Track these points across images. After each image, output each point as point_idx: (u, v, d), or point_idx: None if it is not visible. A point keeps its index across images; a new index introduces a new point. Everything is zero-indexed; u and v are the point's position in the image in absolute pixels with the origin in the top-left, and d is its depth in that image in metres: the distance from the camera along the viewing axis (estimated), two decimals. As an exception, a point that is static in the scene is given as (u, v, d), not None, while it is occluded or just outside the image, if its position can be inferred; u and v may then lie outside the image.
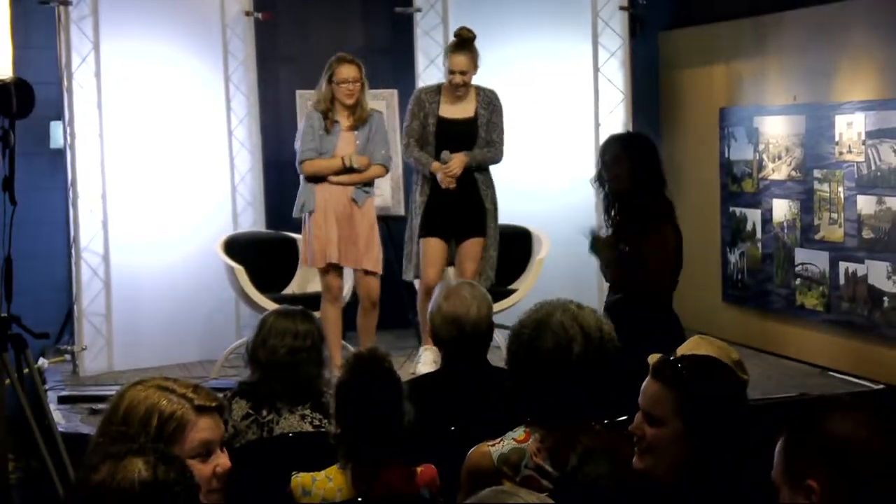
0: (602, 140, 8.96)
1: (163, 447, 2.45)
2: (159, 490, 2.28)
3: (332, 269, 7.81)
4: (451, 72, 7.80)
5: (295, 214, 7.95)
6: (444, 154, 7.78)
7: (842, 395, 2.55)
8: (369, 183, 7.88)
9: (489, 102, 7.90)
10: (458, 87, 7.80)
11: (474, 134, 7.83)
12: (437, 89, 7.95)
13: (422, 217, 7.89)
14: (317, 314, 7.51)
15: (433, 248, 7.87)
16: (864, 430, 2.48)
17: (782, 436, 2.56)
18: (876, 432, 2.49)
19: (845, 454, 2.47)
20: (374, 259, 7.85)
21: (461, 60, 7.81)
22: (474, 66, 7.85)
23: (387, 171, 7.93)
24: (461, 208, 7.81)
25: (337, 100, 7.75)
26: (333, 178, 7.77)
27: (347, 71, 7.71)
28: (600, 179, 6.13)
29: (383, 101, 8.90)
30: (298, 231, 8.86)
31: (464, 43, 7.87)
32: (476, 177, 7.86)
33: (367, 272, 7.83)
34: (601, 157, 6.20)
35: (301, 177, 7.93)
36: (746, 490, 3.02)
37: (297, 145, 7.89)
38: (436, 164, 7.77)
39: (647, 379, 3.12)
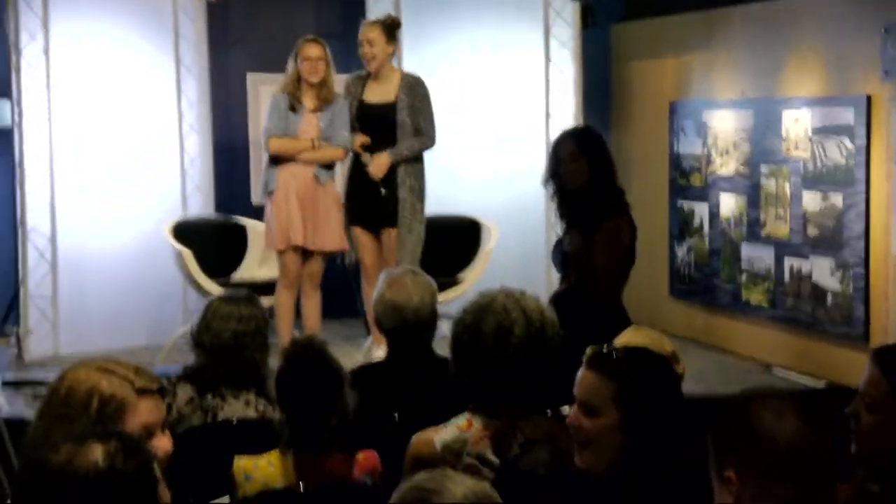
0: (552, 131, 9.05)
1: (123, 432, 2.44)
2: (117, 478, 2.27)
3: (291, 253, 7.76)
4: (360, 43, 7.83)
5: (256, 199, 7.92)
6: (364, 156, 7.78)
7: (770, 387, 2.57)
8: (331, 164, 7.88)
9: (411, 88, 7.87)
10: (368, 60, 7.81)
11: (393, 119, 7.81)
12: (366, 74, 7.97)
13: (345, 206, 7.90)
14: (270, 300, 7.54)
15: (359, 235, 7.88)
16: (778, 421, 2.51)
17: (711, 428, 2.59)
18: (791, 425, 2.51)
19: (757, 444, 2.50)
20: (337, 240, 7.84)
21: (368, 30, 7.86)
22: (385, 42, 7.83)
23: (346, 153, 7.92)
24: (375, 198, 7.80)
25: (303, 80, 7.75)
26: (298, 157, 7.74)
27: (312, 49, 7.73)
28: (554, 176, 6.09)
29: (339, 86, 8.88)
30: (248, 215, 8.87)
31: (377, 21, 7.98)
32: (398, 164, 7.84)
33: (313, 252, 7.79)
34: (555, 153, 6.14)
35: (264, 160, 7.90)
36: (682, 482, 3.04)
37: (263, 125, 7.86)
38: (360, 138, 7.79)
39: (582, 370, 3.14)
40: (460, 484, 2.29)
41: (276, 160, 7.77)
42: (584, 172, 5.94)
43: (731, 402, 2.60)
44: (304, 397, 3.76)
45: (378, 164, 7.74)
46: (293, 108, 7.76)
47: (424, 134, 7.84)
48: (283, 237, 7.72)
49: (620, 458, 3.06)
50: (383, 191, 7.75)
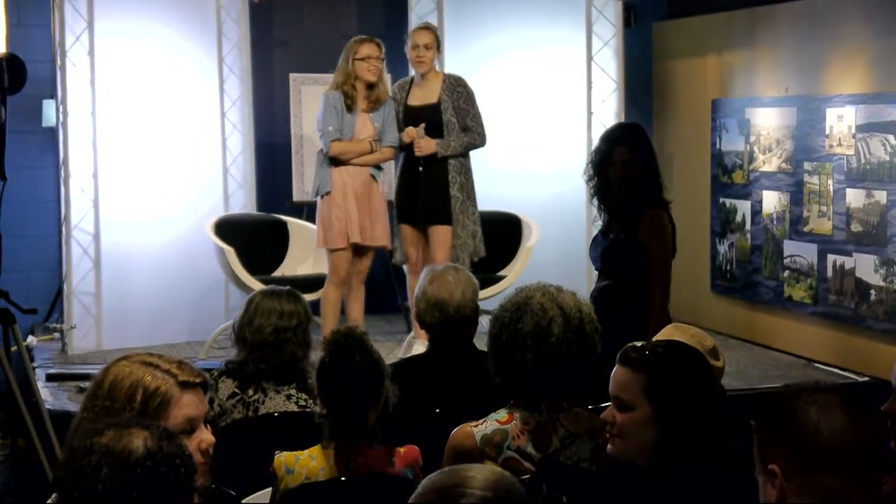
0: (594, 129, 9.04)
1: (158, 423, 2.46)
2: (164, 460, 2.30)
3: (346, 251, 7.81)
4: (415, 46, 7.87)
5: (311, 197, 7.97)
6: (420, 129, 7.80)
7: (816, 381, 2.52)
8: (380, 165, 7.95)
9: (454, 88, 7.91)
10: (420, 63, 7.85)
11: (438, 120, 7.85)
12: (409, 80, 8.06)
13: (396, 203, 7.94)
14: (314, 296, 7.58)
15: (407, 231, 7.94)
16: (825, 415, 2.48)
17: (756, 421, 2.58)
18: (838, 419, 2.48)
19: (804, 438, 2.48)
20: (387, 236, 7.93)
21: (424, 35, 7.92)
22: (437, 46, 7.92)
23: (396, 153, 7.96)
24: (426, 196, 7.83)
25: (358, 79, 7.77)
26: (355, 160, 7.79)
27: (369, 48, 7.77)
28: (599, 173, 6.01)
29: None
30: (289, 213, 8.91)
31: (430, 26, 8.09)
32: (448, 162, 7.86)
33: (362, 248, 7.84)
34: (606, 153, 6.01)
35: (317, 159, 7.94)
36: (723, 476, 3.04)
37: (319, 127, 7.87)
38: (409, 129, 7.81)
39: (616, 366, 3.14)
40: (480, 472, 2.29)
41: (333, 161, 7.79)
42: (634, 176, 5.89)
43: (777, 396, 2.58)
44: (345, 389, 3.77)
45: (424, 144, 7.77)
46: (349, 109, 7.79)
47: (473, 133, 7.87)
48: (342, 236, 7.76)
49: (654, 450, 3.05)
50: (421, 168, 7.78)
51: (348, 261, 7.83)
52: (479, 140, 7.94)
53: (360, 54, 7.75)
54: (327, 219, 7.80)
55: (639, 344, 3.16)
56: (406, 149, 7.89)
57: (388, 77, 8.45)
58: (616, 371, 3.13)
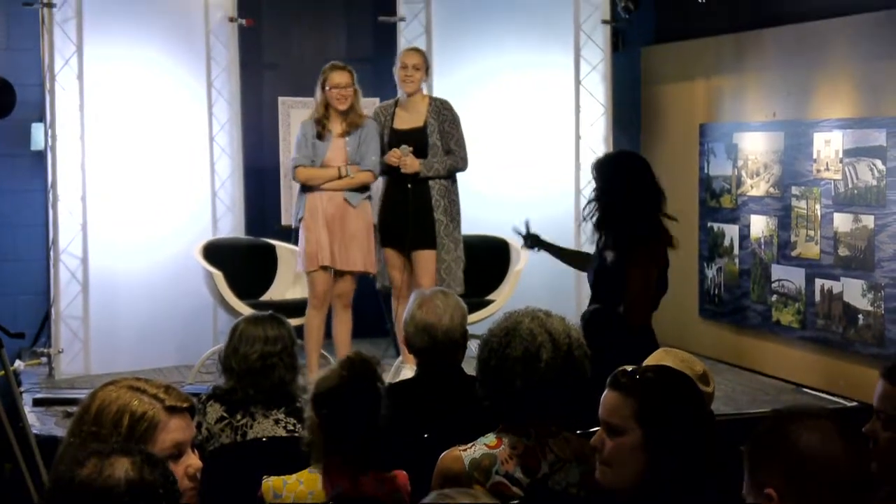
0: (582, 153, 9.07)
1: (144, 448, 2.45)
2: (145, 490, 2.28)
3: (319, 273, 7.81)
4: (404, 66, 7.90)
5: (287, 221, 7.98)
6: (404, 147, 7.81)
7: (806, 406, 2.53)
8: (364, 187, 7.92)
9: (440, 111, 7.94)
10: (408, 83, 7.86)
11: (424, 143, 7.86)
12: (393, 103, 8.07)
13: (378, 227, 7.95)
14: (300, 320, 7.58)
15: (391, 255, 7.94)
16: (821, 440, 2.51)
17: (747, 445, 2.58)
18: (833, 444, 2.51)
19: (801, 463, 2.50)
20: (367, 261, 7.89)
21: (414, 55, 7.98)
22: (426, 68, 7.95)
23: (376, 177, 7.94)
24: (411, 219, 7.84)
25: (331, 106, 7.79)
26: (325, 185, 7.80)
27: (339, 77, 7.79)
28: (599, 199, 6.04)
29: (365, 110, 8.92)
30: (278, 238, 8.92)
31: (419, 49, 8.19)
32: (430, 185, 7.87)
33: (343, 273, 7.84)
34: (607, 184, 6.04)
35: (296, 186, 7.99)
36: (711, 501, 3.03)
37: (291, 155, 7.94)
38: (395, 151, 7.82)
39: (606, 391, 3.14)
40: (467, 497, 2.29)
41: (306, 188, 7.83)
42: (630, 203, 5.91)
43: (770, 420, 2.59)
44: (358, 414, 3.73)
45: (409, 162, 7.77)
46: (320, 136, 7.82)
47: (455, 156, 7.89)
48: (311, 259, 7.79)
49: (643, 475, 3.04)
50: (410, 186, 7.78)
51: (323, 283, 7.83)
52: (461, 164, 7.95)
53: (331, 83, 7.79)
54: (301, 243, 7.84)
55: (629, 368, 3.16)
56: (388, 173, 7.89)
57: (376, 100, 8.47)
58: (606, 395, 3.12)
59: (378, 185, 8.06)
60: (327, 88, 7.79)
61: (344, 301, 7.90)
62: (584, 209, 6.20)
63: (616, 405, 3.08)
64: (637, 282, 5.83)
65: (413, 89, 7.92)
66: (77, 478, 2.29)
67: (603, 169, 6.10)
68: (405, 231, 7.83)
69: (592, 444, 3.13)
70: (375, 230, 7.95)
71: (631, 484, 3.06)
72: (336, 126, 7.83)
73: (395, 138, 7.90)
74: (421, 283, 7.61)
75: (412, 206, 7.83)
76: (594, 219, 6.05)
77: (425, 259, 7.86)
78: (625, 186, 5.99)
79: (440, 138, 7.88)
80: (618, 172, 6.07)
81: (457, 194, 7.99)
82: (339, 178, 7.79)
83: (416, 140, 7.85)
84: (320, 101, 7.85)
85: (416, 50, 8.11)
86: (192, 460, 2.81)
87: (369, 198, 7.96)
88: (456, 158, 7.91)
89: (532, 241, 6.62)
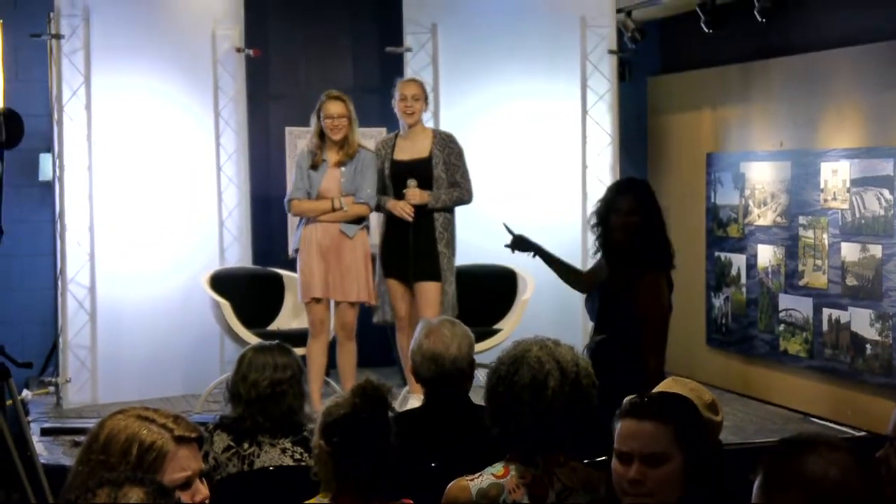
0: (589, 182, 9.08)
1: (154, 478, 2.45)
2: None
3: (315, 304, 7.84)
4: (403, 97, 7.89)
5: (290, 255, 7.99)
6: (410, 181, 7.81)
7: (818, 434, 2.52)
8: (361, 218, 7.92)
9: (445, 144, 7.95)
10: (409, 114, 7.87)
11: (429, 174, 7.87)
12: (393, 136, 8.08)
13: (381, 258, 7.96)
14: (303, 350, 7.58)
15: (395, 286, 7.95)
16: (837, 470, 2.48)
17: (759, 472, 2.56)
18: (850, 473, 2.49)
19: (817, 495, 2.47)
20: (364, 291, 7.88)
21: (412, 86, 7.98)
22: (425, 98, 7.94)
23: (371, 209, 7.93)
24: (414, 251, 7.84)
25: (326, 136, 7.80)
26: (320, 218, 7.81)
27: (333, 107, 7.79)
28: (602, 222, 5.99)
29: (371, 140, 8.95)
30: (284, 267, 8.93)
31: (418, 79, 8.21)
32: (435, 218, 7.88)
33: (340, 304, 7.84)
34: (610, 201, 6.01)
35: (296, 218, 8.00)
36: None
37: (288, 188, 7.96)
38: (391, 202, 7.84)
39: (631, 422, 3.09)
40: None
41: (303, 219, 7.86)
42: (635, 227, 5.86)
43: (783, 448, 2.57)
44: (370, 443, 3.71)
45: (414, 193, 7.78)
46: (314, 167, 7.82)
47: (461, 188, 7.90)
48: (306, 290, 7.84)
49: (679, 500, 3.03)
50: (414, 219, 7.78)
51: (318, 313, 7.88)
52: (466, 196, 7.96)
53: (325, 112, 7.79)
54: (299, 273, 7.89)
55: (649, 396, 3.15)
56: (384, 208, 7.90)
57: (382, 130, 8.49)
58: (638, 427, 3.07)
59: (379, 215, 8.06)
60: (322, 118, 7.80)
61: (347, 332, 7.91)
62: (595, 236, 6.11)
63: (654, 434, 3.05)
64: (650, 309, 5.78)
65: (414, 120, 7.93)
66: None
67: (643, 201, 5.97)
68: (408, 262, 7.84)
69: (633, 478, 3.06)
70: (373, 260, 7.96)
71: None
72: (331, 155, 7.83)
73: (397, 169, 7.91)
74: (424, 314, 7.59)
75: (415, 238, 7.83)
76: (605, 248, 5.98)
77: (429, 291, 7.85)
78: (661, 215, 5.95)
79: (445, 170, 7.89)
80: (651, 198, 6.01)
81: (454, 224, 8.00)
82: (333, 210, 7.80)
83: (420, 171, 7.86)
84: (315, 130, 7.85)
85: (414, 80, 8.13)
86: (201, 489, 2.81)
87: (366, 227, 7.96)
88: (462, 191, 7.92)
89: (519, 244, 6.55)
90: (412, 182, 7.81)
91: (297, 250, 7.89)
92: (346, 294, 7.84)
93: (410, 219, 7.79)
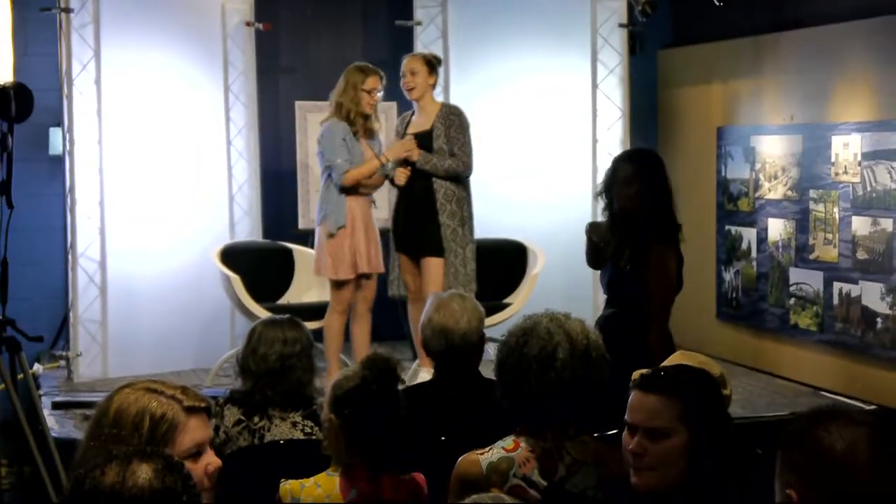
0: (599, 156, 9.06)
1: (164, 451, 2.46)
2: (168, 496, 2.29)
3: (352, 281, 7.83)
4: (402, 74, 7.92)
5: (331, 230, 7.80)
6: (409, 137, 7.86)
7: (844, 407, 2.48)
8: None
9: (447, 116, 7.92)
10: (409, 90, 7.88)
11: (430, 146, 7.84)
12: (410, 113, 8.09)
13: (392, 231, 8.00)
14: (318, 324, 7.59)
15: (403, 260, 7.98)
16: (845, 444, 2.46)
17: (780, 443, 2.54)
18: (859, 448, 2.46)
19: (821, 466, 2.45)
20: (383, 261, 7.95)
21: (410, 61, 7.95)
22: (427, 73, 7.89)
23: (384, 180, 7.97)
24: (416, 225, 7.85)
25: (357, 108, 7.77)
26: (366, 182, 7.79)
27: (375, 81, 7.80)
28: (607, 194, 5.99)
29: (382, 115, 8.93)
30: (295, 241, 8.92)
31: (419, 53, 8.19)
32: (435, 188, 7.85)
33: (370, 275, 7.87)
34: (612, 172, 6.01)
35: (329, 190, 7.82)
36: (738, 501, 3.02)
37: (325, 159, 7.78)
38: (402, 171, 7.87)
39: (638, 394, 3.11)
40: (485, 500, 2.30)
41: (344, 192, 7.78)
42: (634, 197, 5.84)
43: (801, 420, 2.54)
44: (379, 416, 3.71)
45: (412, 148, 7.82)
46: (356, 135, 7.80)
47: (457, 159, 7.85)
48: (352, 268, 7.78)
49: (684, 476, 3.03)
50: (415, 186, 7.82)
51: (353, 290, 7.86)
52: (461, 168, 7.87)
53: (367, 86, 7.76)
54: (340, 250, 7.77)
55: (658, 370, 3.15)
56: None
57: (393, 104, 8.48)
58: (643, 399, 3.09)
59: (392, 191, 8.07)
60: (364, 90, 7.78)
61: (368, 303, 7.94)
62: (602, 208, 6.09)
63: (659, 408, 3.06)
64: (657, 280, 5.77)
65: (417, 95, 7.90)
66: (100, 486, 2.29)
67: (645, 170, 5.95)
68: (411, 236, 7.85)
69: (632, 450, 3.09)
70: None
71: (674, 485, 3.05)
72: (361, 130, 7.83)
73: None
74: (428, 290, 7.57)
75: (416, 209, 7.83)
76: (612, 219, 5.96)
77: (432, 266, 7.82)
78: (667, 186, 5.93)
79: (446, 142, 7.87)
80: (658, 173, 5.98)
81: (466, 198, 7.94)
82: (382, 166, 7.78)
83: (423, 143, 7.85)
84: (353, 100, 7.79)
85: (411, 56, 8.08)
86: (212, 459, 2.83)
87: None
88: (458, 162, 7.85)
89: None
90: (411, 138, 7.82)
91: (341, 227, 7.78)
92: (380, 266, 7.90)
93: (406, 153, 7.79)
